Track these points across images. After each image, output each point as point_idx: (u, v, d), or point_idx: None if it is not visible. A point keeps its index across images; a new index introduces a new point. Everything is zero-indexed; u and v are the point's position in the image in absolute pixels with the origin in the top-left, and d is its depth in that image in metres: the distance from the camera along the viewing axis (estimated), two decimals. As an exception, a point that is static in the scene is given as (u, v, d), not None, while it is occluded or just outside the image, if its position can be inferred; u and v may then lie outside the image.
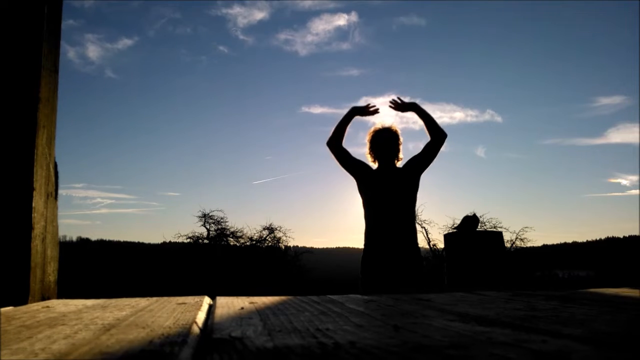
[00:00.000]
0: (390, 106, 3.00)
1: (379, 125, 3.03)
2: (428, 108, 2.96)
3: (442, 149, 2.95)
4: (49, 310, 1.04)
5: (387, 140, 2.94)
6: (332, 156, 2.98)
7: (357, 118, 3.03)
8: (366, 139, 3.04)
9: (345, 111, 3.02)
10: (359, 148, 3.15)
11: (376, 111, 3.02)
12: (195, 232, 22.81)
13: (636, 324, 0.79)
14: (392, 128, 3.00)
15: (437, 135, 2.91)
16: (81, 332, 0.72)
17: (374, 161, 3.01)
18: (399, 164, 2.99)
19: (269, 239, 23.50)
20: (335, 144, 2.96)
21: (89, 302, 1.21)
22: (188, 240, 22.65)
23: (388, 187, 2.88)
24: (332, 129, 2.99)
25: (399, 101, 2.99)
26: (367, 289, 2.83)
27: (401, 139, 3.00)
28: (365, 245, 2.92)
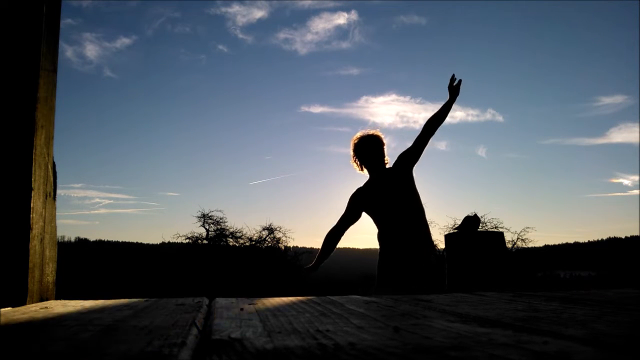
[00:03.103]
0: (454, 82, 2.94)
1: (359, 134, 3.05)
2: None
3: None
4: (48, 311, 1.03)
5: (369, 146, 2.96)
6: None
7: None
8: (350, 148, 3.06)
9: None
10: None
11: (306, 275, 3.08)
12: (194, 233, 22.82)
13: (638, 326, 0.78)
14: (372, 133, 3.02)
15: (442, 117, 2.93)
16: (80, 334, 0.72)
17: (360, 169, 3.04)
18: (388, 165, 3.01)
19: (269, 240, 23.51)
20: (347, 227, 3.04)
21: (88, 303, 1.21)
22: (187, 240, 22.66)
23: (386, 193, 2.90)
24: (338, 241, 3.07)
25: (455, 81, 2.95)
26: (386, 291, 2.85)
27: (384, 141, 3.02)
28: (380, 249, 2.98)
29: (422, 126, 2.95)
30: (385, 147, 3.01)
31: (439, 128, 2.95)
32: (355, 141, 3.02)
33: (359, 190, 3.01)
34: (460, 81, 2.95)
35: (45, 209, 1.32)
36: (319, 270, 3.08)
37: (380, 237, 2.96)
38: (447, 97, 2.95)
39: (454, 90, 2.94)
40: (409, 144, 2.97)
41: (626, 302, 1.11)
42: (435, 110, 2.96)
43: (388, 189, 2.90)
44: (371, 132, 3.03)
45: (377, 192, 2.92)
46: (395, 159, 2.98)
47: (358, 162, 3.02)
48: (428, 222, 3.03)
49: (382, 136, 3.02)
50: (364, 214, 3.04)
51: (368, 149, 2.96)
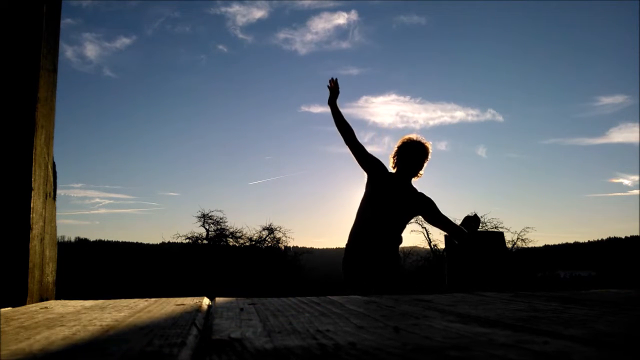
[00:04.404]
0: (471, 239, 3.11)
1: (414, 136, 3.00)
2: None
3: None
4: (48, 311, 1.03)
5: (417, 154, 2.94)
6: (351, 153, 2.99)
7: (357, 117, 3.06)
8: (397, 143, 3.02)
9: (341, 109, 3.03)
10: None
11: (332, 85, 3.00)
12: (194, 233, 22.84)
13: (638, 325, 0.79)
14: (426, 145, 2.98)
15: (448, 233, 3.12)
16: (79, 333, 0.72)
17: (394, 167, 3.01)
18: (418, 179, 3.02)
19: (269, 240, 23.52)
20: (351, 143, 2.96)
21: (88, 303, 1.21)
22: (187, 240, 22.68)
23: (393, 195, 2.90)
24: (338, 129, 2.97)
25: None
26: (347, 287, 2.89)
27: (429, 157, 3.00)
28: (349, 242, 2.96)
29: (446, 219, 3.03)
30: (427, 162, 3.00)
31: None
32: (407, 141, 2.98)
33: (385, 168, 3.00)
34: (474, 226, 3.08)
35: (45, 209, 1.32)
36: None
37: (353, 231, 2.96)
38: (466, 232, 3.07)
39: (466, 238, 3.06)
40: None
41: (626, 302, 1.11)
42: (455, 227, 3.06)
43: (397, 197, 2.91)
44: (425, 142, 2.99)
45: (391, 187, 2.92)
46: (427, 197, 3.00)
47: (395, 160, 2.98)
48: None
49: (430, 150, 3.00)
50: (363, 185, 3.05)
51: (413, 156, 2.93)
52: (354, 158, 2.97)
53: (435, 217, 2.99)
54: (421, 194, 2.99)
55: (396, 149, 3.01)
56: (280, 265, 22.54)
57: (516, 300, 1.20)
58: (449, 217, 3.01)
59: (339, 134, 2.98)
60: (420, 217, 3.18)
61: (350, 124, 2.96)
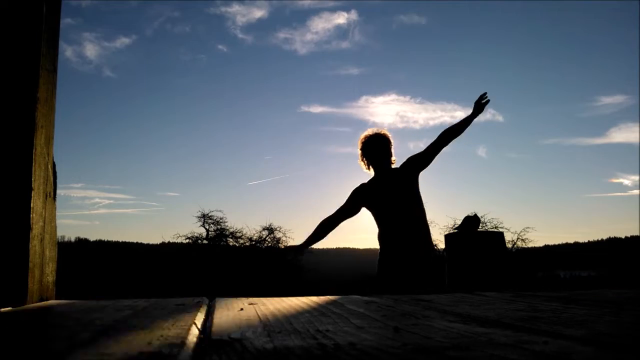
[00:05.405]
0: (483, 100, 2.90)
1: (368, 132, 3.05)
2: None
3: (443, 148, 2.95)
4: (48, 311, 1.03)
5: (378, 144, 2.96)
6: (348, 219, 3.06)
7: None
8: (358, 147, 3.05)
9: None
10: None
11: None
12: (194, 233, 22.81)
13: (638, 325, 0.78)
14: (381, 132, 3.02)
15: (459, 131, 2.91)
16: (80, 334, 0.72)
17: (367, 167, 3.03)
18: (395, 165, 3.00)
19: (269, 240, 23.49)
20: (341, 220, 3.02)
21: (88, 303, 1.21)
22: (187, 240, 22.65)
23: (389, 191, 2.90)
24: (329, 232, 3.05)
25: (485, 99, 2.91)
26: (385, 291, 2.85)
27: (392, 141, 3.02)
28: (380, 248, 2.96)
29: (437, 135, 2.92)
30: (392, 146, 3.01)
31: (453, 140, 2.94)
32: (363, 139, 3.01)
33: (362, 185, 3.01)
34: (488, 101, 2.91)
35: (45, 209, 1.32)
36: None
37: (380, 237, 2.96)
38: (470, 111, 2.91)
39: (480, 107, 2.90)
40: (409, 144, 3.01)
41: (626, 302, 1.11)
42: (454, 122, 2.95)
43: (392, 189, 2.90)
44: (379, 130, 3.03)
45: (381, 190, 2.92)
46: (404, 160, 2.98)
47: (365, 161, 3.02)
48: (429, 224, 3.02)
49: (390, 135, 3.02)
50: (365, 211, 3.04)
51: (375, 148, 2.95)
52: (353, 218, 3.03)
53: (425, 156, 2.92)
54: (401, 165, 2.98)
55: (359, 152, 3.04)
56: (281, 265, 22.51)
57: (516, 300, 1.20)
58: (431, 143, 2.92)
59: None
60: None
61: (326, 229, 3.01)
